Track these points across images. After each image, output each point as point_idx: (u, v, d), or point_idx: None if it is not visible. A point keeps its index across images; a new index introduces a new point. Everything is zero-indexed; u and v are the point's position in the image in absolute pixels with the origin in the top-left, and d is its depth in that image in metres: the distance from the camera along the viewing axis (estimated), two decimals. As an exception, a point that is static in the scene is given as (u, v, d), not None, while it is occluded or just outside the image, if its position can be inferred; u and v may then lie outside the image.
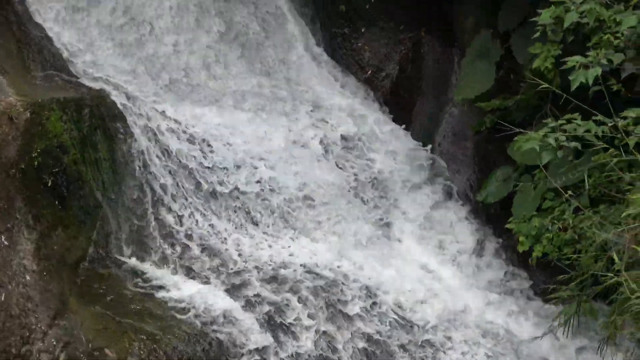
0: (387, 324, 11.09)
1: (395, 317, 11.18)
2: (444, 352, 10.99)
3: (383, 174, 13.23)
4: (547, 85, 10.52)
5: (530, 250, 10.91)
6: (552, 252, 10.46)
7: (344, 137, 13.33)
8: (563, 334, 10.59)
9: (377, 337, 10.90)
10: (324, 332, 10.72)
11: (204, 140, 11.92)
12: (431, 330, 11.18)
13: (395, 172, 13.33)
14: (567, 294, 10.40)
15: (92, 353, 9.55)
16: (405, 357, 10.83)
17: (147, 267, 10.80)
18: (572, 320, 10.39)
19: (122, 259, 10.72)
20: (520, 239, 10.87)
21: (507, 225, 11.64)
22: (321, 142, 13.01)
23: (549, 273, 11.16)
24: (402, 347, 10.92)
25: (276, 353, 10.29)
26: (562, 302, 10.69)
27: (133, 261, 10.75)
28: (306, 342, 10.50)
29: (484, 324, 11.54)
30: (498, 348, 11.19)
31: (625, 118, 9.59)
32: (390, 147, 13.61)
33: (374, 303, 11.21)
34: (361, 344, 10.77)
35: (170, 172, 11.28)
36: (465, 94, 12.90)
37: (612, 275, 9.23)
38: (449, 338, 11.17)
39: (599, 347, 10.03)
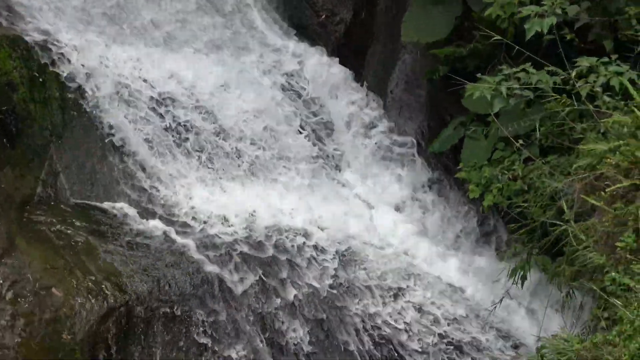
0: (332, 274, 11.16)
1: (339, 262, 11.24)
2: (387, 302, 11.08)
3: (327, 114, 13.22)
4: (499, 37, 10.56)
5: (481, 198, 10.96)
6: (502, 202, 10.53)
7: (287, 75, 13.25)
8: (514, 282, 10.69)
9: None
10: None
11: (154, 80, 11.77)
12: (376, 278, 11.24)
13: (338, 112, 13.31)
14: (519, 249, 10.49)
15: (39, 292, 9.47)
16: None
17: (97, 206, 10.73)
18: (524, 274, 10.47)
19: (71, 198, 10.61)
20: (471, 187, 10.92)
21: (457, 175, 11.68)
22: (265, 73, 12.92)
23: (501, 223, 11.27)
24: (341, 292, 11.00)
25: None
26: (514, 256, 10.77)
27: (82, 201, 10.65)
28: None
29: (432, 277, 11.62)
30: (448, 304, 11.31)
31: (578, 67, 9.67)
32: (334, 87, 13.55)
33: (322, 250, 11.24)
34: (306, 290, 10.87)
35: (121, 111, 11.13)
36: (411, 36, 12.78)
37: (560, 223, 9.33)
38: (400, 289, 11.26)
39: (553, 303, 10.14)
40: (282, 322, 10.60)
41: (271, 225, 11.26)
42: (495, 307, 10.85)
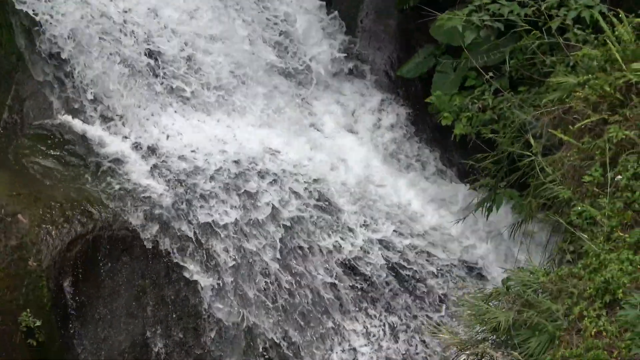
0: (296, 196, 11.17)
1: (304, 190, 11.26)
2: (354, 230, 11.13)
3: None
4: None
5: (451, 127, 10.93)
6: (471, 132, 10.54)
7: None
8: (482, 213, 10.75)
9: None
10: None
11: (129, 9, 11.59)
12: (334, 202, 11.27)
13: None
14: (486, 182, 10.53)
15: (4, 218, 9.42)
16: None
17: (60, 130, 10.66)
18: (490, 204, 10.53)
19: (34, 122, 10.51)
20: (445, 114, 10.87)
21: (427, 99, 11.62)
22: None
23: (467, 152, 11.24)
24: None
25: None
26: (481, 187, 10.81)
27: (50, 125, 10.57)
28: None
29: (393, 203, 11.66)
30: (409, 227, 11.35)
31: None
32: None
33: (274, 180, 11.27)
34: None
35: (90, 35, 10.95)
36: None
37: (528, 154, 9.36)
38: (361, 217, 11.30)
39: (511, 232, 10.23)
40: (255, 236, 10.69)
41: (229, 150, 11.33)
42: (458, 221, 10.95)
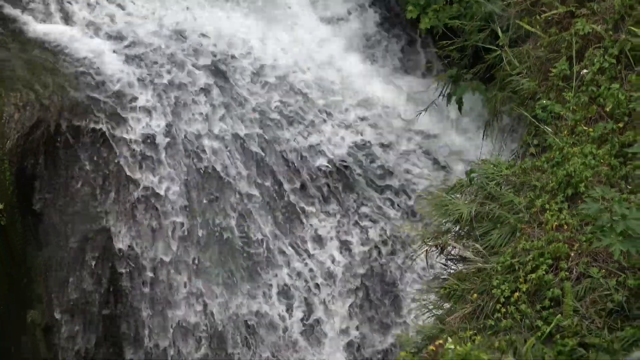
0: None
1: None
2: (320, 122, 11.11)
3: None
4: None
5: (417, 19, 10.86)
6: (438, 25, 10.47)
7: None
8: (446, 105, 10.75)
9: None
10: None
11: None
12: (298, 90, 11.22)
13: None
14: (451, 72, 10.49)
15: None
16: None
17: (31, 20, 10.48)
18: (455, 95, 10.51)
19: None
20: (409, 7, 10.79)
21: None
22: None
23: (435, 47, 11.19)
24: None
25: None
26: (446, 78, 10.77)
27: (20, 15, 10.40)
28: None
29: (361, 92, 11.62)
30: (377, 119, 11.33)
31: None
32: None
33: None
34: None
35: None
36: None
37: (494, 48, 9.35)
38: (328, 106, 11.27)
39: (481, 124, 10.24)
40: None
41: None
42: (421, 113, 10.96)
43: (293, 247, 10.76)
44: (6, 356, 13.29)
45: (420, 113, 10.99)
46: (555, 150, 7.52)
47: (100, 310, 11.23)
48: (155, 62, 10.67)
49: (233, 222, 10.71)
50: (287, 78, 11.21)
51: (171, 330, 11.14)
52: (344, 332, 10.84)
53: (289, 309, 10.82)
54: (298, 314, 10.80)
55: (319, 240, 10.79)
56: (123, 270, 10.89)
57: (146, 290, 10.96)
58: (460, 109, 10.61)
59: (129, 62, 10.55)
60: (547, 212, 7.06)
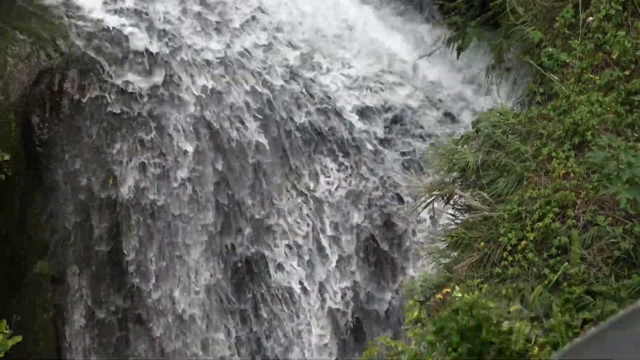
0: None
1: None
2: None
3: None
4: None
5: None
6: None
7: None
8: (450, 52, 10.70)
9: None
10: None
11: None
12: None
13: None
14: (456, 19, 10.42)
15: (-32, 53, 9.27)
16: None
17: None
18: (459, 42, 10.45)
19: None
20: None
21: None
22: None
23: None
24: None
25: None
26: (451, 25, 10.70)
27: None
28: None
29: (369, 42, 11.55)
30: (386, 66, 11.29)
31: None
32: None
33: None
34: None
35: None
36: None
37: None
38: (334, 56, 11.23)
39: (487, 73, 10.19)
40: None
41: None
42: (423, 57, 10.91)
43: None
44: (17, 306, 13.40)
45: (422, 57, 10.93)
46: (561, 99, 7.51)
47: (109, 259, 11.29)
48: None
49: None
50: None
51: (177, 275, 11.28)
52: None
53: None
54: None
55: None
56: (131, 218, 10.96)
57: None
58: (458, 55, 10.56)
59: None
60: (554, 160, 7.06)
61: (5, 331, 13.86)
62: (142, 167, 10.57)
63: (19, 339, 14.19)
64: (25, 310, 13.70)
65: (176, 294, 11.68)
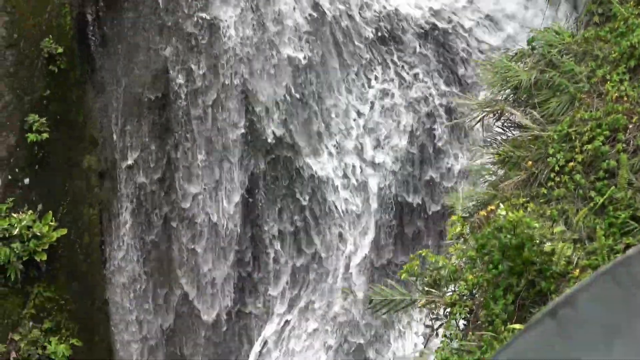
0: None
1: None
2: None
3: None
4: None
5: None
6: None
7: None
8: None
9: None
10: None
11: None
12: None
13: None
14: None
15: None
16: None
17: None
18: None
19: None
20: None
21: None
22: None
23: None
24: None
25: None
26: None
27: None
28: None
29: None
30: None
31: None
32: None
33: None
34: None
35: None
36: None
37: None
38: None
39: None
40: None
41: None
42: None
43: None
44: (64, 200, 13.64)
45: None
46: (619, 20, 7.37)
47: (157, 151, 11.40)
48: None
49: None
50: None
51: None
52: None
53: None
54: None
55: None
56: (180, 113, 11.03)
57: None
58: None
59: None
60: (608, 82, 6.98)
61: (51, 223, 14.18)
62: (190, 70, 10.60)
63: (63, 231, 14.54)
64: (71, 204, 13.96)
65: (220, 192, 11.80)
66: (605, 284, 1.22)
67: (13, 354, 14.75)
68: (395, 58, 10.78)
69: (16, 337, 14.72)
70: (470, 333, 6.06)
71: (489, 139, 7.49)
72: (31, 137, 12.45)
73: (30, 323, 14.76)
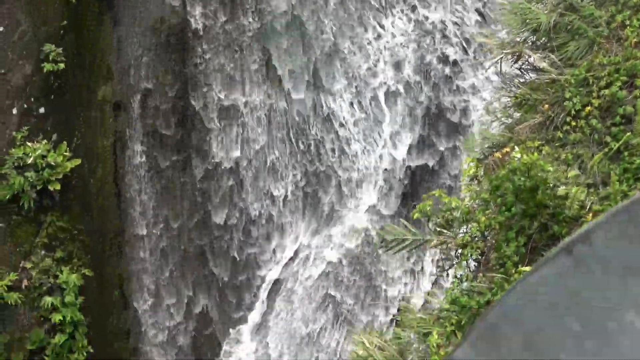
0: None
1: None
2: None
3: None
4: None
5: None
6: None
7: None
8: None
9: None
10: None
11: None
12: None
13: None
14: None
15: None
16: None
17: None
18: None
19: None
20: None
21: None
22: None
23: None
24: None
25: None
26: None
27: None
28: None
29: None
30: None
31: None
32: None
33: None
34: None
35: None
36: None
37: None
38: None
39: None
40: None
41: None
42: None
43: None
44: (79, 130, 13.68)
45: None
46: (641, -35, 7.28)
47: (173, 82, 11.40)
48: None
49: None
50: None
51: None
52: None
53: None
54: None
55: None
56: (199, 50, 11.00)
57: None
58: None
59: None
60: (627, 28, 6.92)
61: (65, 153, 14.23)
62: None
63: (77, 162, 14.60)
64: (86, 135, 14.00)
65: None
66: (622, 222, 1.23)
67: (25, 282, 14.93)
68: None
69: (28, 266, 14.89)
70: (481, 275, 6.11)
71: (506, 81, 7.45)
72: (47, 66, 12.45)
73: (43, 252, 14.92)
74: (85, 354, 14.69)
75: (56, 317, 14.64)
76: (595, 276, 1.26)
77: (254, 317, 13.40)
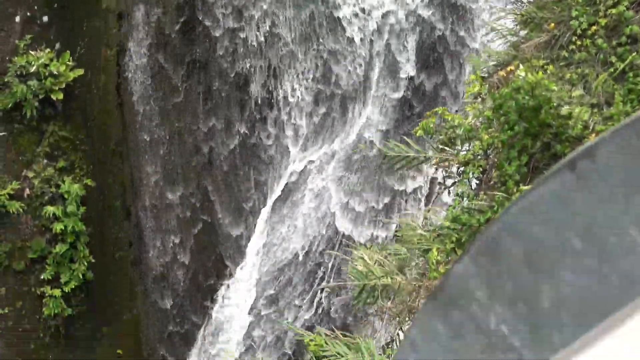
0: None
1: None
2: None
3: None
4: None
5: None
6: None
7: None
8: None
9: None
10: None
11: None
12: None
13: None
14: None
15: None
16: None
17: None
18: None
19: None
20: None
21: None
22: None
23: None
24: None
25: None
26: None
27: None
28: None
29: None
30: None
31: None
32: None
33: None
34: None
35: None
36: None
37: None
38: None
39: None
40: None
41: None
42: None
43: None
44: (82, 40, 13.60)
45: None
46: None
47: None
48: None
49: None
50: None
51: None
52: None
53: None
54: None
55: None
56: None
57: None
58: None
59: None
60: (638, -54, 6.82)
61: (68, 62, 14.16)
62: None
63: (80, 72, 14.54)
64: (89, 44, 13.90)
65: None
66: (627, 137, 1.23)
67: (27, 191, 14.99)
68: None
69: (30, 175, 14.94)
70: (482, 193, 6.13)
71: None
72: (50, -26, 12.34)
73: (45, 161, 14.95)
74: (86, 263, 14.83)
75: (57, 227, 14.74)
76: (598, 192, 1.26)
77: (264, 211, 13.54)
